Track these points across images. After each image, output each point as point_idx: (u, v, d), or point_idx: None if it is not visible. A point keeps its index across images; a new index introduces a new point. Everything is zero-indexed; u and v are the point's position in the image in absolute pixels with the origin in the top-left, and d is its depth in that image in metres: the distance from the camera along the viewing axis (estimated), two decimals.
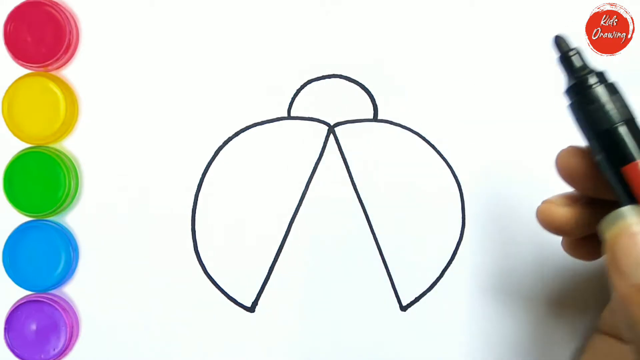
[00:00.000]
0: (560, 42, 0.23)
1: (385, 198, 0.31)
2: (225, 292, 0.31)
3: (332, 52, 0.31)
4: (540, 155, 0.30)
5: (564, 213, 0.23)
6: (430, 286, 0.31)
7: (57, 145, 0.31)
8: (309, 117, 0.31)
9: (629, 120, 0.21)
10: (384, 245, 0.31)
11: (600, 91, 0.21)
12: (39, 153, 0.31)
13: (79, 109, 0.31)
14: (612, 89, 0.22)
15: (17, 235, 0.31)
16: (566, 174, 0.23)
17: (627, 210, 0.20)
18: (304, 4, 0.31)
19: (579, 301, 0.31)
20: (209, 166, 0.31)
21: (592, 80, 0.22)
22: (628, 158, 0.21)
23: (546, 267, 0.31)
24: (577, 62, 0.22)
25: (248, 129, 0.31)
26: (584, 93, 0.22)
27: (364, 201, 0.31)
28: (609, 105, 0.21)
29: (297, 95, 0.31)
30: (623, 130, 0.21)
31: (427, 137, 0.31)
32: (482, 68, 0.31)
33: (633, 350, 0.19)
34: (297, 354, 0.31)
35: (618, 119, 0.21)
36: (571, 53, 0.22)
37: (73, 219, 0.32)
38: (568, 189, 0.24)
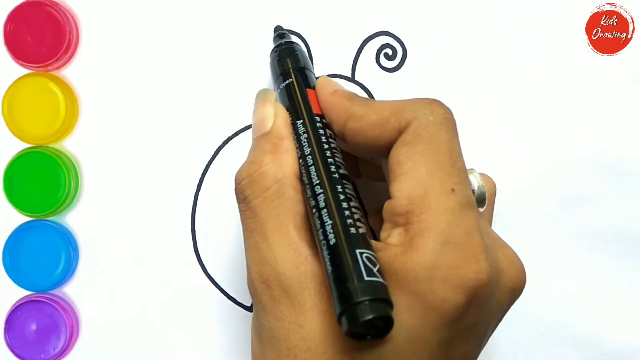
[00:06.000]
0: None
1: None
2: (225, 292, 0.31)
3: (332, 51, 0.31)
4: (539, 154, 0.31)
5: None
6: None
7: (57, 145, 0.31)
8: None
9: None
10: None
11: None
12: (39, 153, 0.31)
13: (79, 109, 0.31)
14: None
15: (17, 235, 0.31)
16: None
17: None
18: (304, 3, 0.31)
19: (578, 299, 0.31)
20: (209, 166, 0.31)
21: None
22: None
23: (546, 266, 0.31)
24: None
25: (248, 128, 0.31)
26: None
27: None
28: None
29: None
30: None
31: None
32: (481, 69, 0.31)
33: None
34: None
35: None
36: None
37: (73, 219, 0.32)
38: None
